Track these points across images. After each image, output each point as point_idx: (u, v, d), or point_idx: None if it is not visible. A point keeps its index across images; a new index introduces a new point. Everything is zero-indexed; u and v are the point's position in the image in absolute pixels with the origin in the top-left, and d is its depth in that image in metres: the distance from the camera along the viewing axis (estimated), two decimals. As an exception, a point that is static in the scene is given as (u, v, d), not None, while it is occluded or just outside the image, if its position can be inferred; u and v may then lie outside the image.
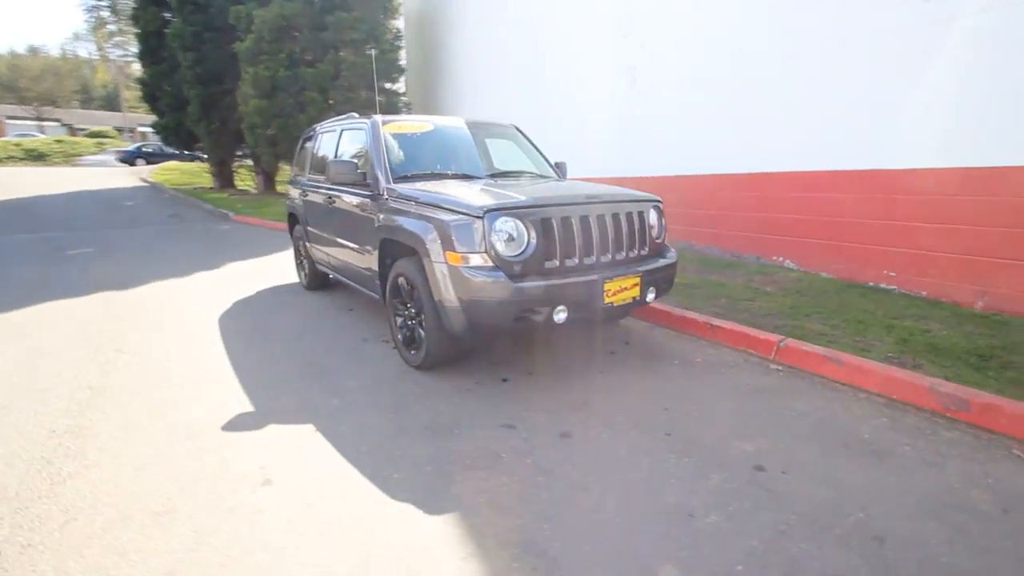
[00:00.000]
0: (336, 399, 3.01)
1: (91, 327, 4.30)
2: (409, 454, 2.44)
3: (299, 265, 5.82)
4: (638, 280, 3.19)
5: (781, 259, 5.43)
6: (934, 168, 4.17)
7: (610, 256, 3.19)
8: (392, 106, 13.33)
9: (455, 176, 3.84)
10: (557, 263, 3.00)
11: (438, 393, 3.07)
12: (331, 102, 12.33)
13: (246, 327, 4.36)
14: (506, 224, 2.89)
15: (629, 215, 3.30)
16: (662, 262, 3.47)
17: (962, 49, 3.94)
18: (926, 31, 4.11)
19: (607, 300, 3.05)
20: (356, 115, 4.87)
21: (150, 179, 20.03)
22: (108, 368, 3.46)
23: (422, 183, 3.61)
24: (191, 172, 21.44)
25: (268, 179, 16.22)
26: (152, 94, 16.82)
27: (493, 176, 3.97)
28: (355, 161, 3.79)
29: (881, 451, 2.43)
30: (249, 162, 16.74)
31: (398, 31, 13.44)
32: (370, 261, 3.82)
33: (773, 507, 2.04)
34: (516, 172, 4.20)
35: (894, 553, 1.79)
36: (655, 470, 2.29)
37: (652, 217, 3.50)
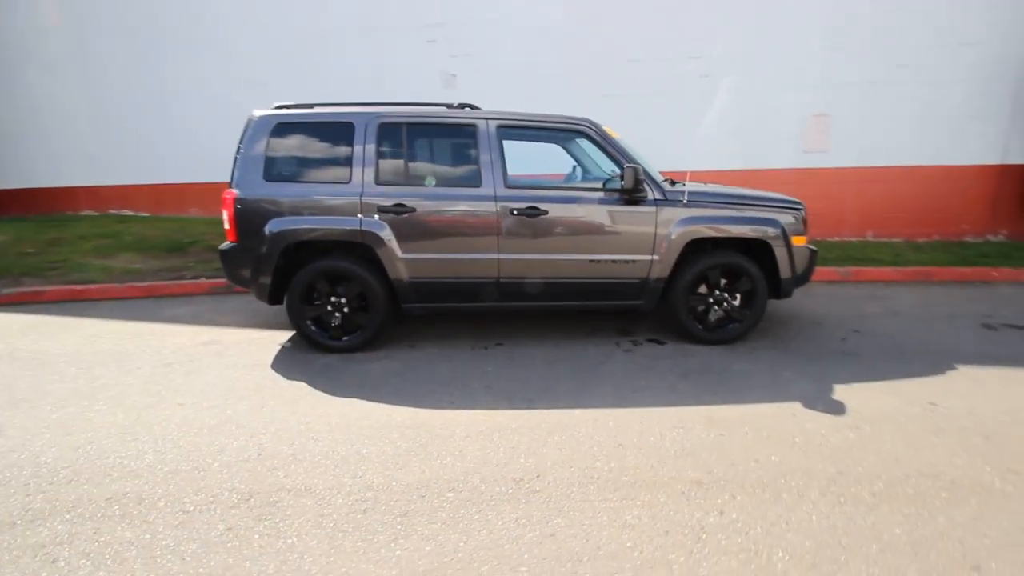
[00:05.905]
0: (804, 385, 3.38)
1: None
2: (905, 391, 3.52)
3: (327, 317, 3.88)
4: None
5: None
6: (726, 170, 7.50)
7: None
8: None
9: (668, 179, 4.27)
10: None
11: (781, 353, 3.93)
12: None
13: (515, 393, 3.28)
14: (798, 212, 4.10)
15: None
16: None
17: (724, 102, 7.32)
18: (703, 91, 7.31)
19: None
20: (479, 108, 4.02)
21: None
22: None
23: (699, 185, 4.11)
24: None
25: None
26: None
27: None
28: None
29: (958, 294, 5.33)
30: None
31: None
32: (635, 269, 3.84)
33: (983, 323, 4.49)
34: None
35: (960, 322, 4.59)
36: (947, 337, 4.30)
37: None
